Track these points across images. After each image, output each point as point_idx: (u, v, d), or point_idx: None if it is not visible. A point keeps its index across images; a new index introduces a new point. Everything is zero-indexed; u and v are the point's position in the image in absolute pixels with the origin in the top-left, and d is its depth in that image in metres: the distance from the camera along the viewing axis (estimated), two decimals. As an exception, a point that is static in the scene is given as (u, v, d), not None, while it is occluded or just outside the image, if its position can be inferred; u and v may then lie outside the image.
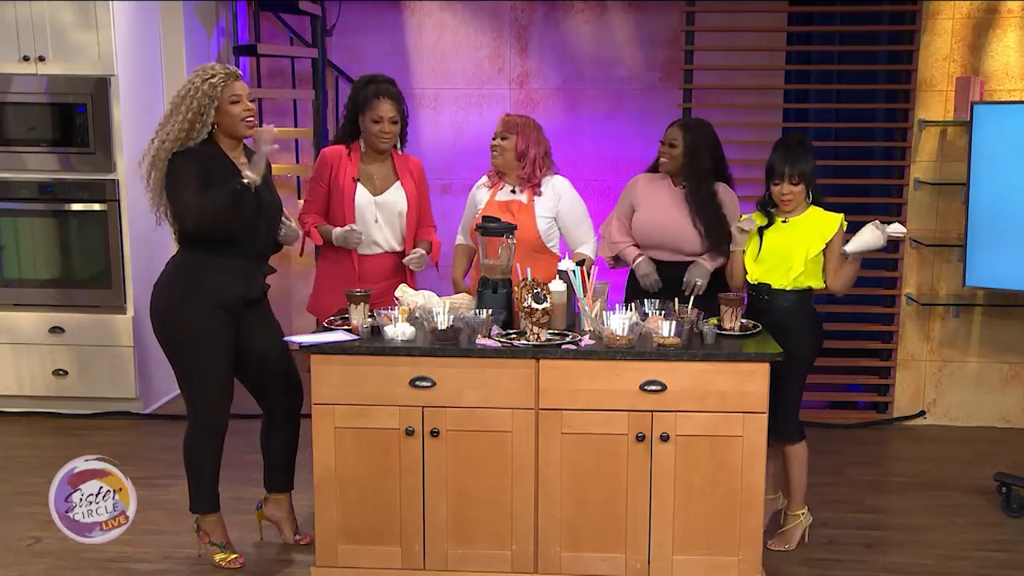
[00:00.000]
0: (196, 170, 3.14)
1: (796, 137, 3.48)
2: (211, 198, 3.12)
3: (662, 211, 3.75)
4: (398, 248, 3.76)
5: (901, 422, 5.14)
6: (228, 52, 5.89)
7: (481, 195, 3.86)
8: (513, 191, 3.77)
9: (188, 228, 3.17)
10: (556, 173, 3.83)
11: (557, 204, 3.76)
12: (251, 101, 3.24)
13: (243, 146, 3.33)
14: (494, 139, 3.76)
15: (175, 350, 3.28)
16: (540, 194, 3.74)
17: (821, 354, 3.62)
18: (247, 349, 3.36)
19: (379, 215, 3.69)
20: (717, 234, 3.63)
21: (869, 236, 3.30)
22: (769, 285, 3.43)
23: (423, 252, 3.71)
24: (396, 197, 3.71)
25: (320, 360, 3.10)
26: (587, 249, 3.82)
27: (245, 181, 3.14)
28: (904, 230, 3.32)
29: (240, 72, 3.31)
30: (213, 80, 3.15)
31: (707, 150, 3.71)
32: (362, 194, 3.67)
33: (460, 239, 4.00)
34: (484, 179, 3.89)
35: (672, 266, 3.75)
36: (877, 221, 3.31)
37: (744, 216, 3.55)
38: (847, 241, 3.39)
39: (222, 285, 3.22)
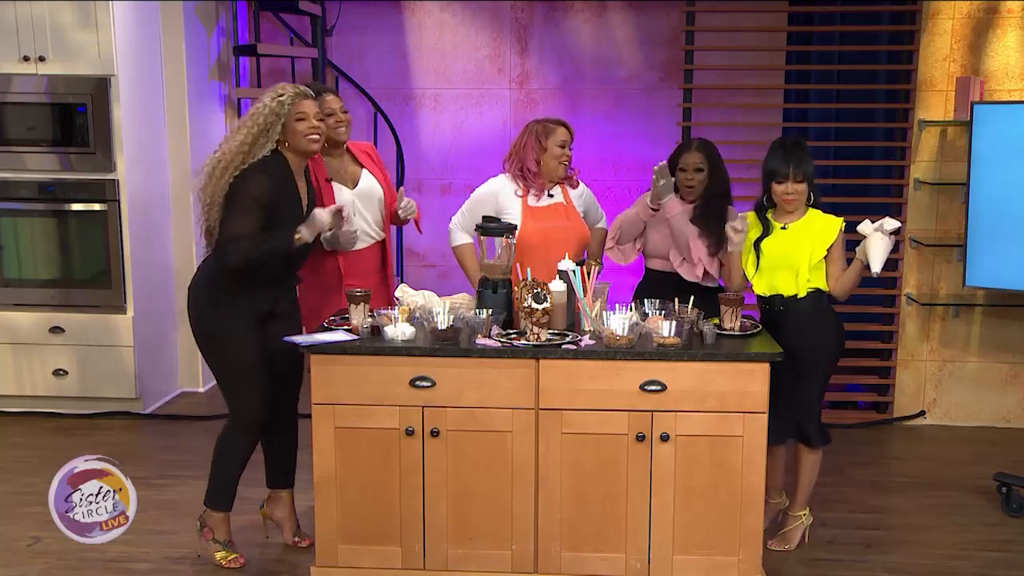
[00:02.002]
0: (265, 192, 3.15)
1: (793, 139, 3.46)
2: (265, 247, 3.16)
3: (669, 218, 3.67)
4: (383, 235, 3.77)
5: (901, 422, 5.14)
6: (228, 52, 5.89)
7: (510, 202, 3.63)
8: (551, 195, 3.71)
9: (232, 262, 3.16)
10: None
11: (582, 197, 3.85)
12: (319, 120, 3.26)
13: (305, 174, 3.36)
14: (564, 147, 3.64)
15: (211, 346, 3.31)
16: (576, 186, 3.80)
17: (844, 355, 3.56)
18: (266, 349, 3.37)
19: (361, 207, 3.68)
20: (717, 246, 3.58)
21: (882, 245, 3.21)
22: (782, 295, 3.41)
23: (413, 202, 3.72)
24: (370, 184, 3.72)
25: (320, 360, 3.10)
26: (605, 223, 3.98)
27: (297, 237, 3.19)
28: (897, 224, 3.21)
29: (312, 92, 3.31)
30: (282, 98, 3.19)
31: (723, 167, 3.68)
32: (341, 192, 3.65)
33: (464, 239, 3.72)
34: (506, 184, 3.67)
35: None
36: (868, 223, 3.23)
37: (738, 215, 3.44)
38: (849, 247, 3.36)
39: (255, 294, 3.28)
